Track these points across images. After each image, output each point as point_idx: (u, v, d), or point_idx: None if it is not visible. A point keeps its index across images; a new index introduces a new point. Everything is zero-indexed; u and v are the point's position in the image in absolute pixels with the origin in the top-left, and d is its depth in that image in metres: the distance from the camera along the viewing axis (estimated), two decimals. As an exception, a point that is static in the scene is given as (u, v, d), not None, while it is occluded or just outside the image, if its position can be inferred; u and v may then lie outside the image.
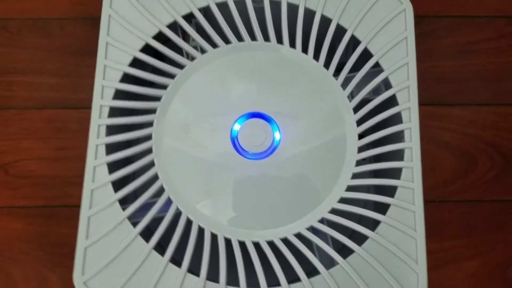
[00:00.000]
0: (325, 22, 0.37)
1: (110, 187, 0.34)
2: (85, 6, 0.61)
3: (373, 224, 0.35)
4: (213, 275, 0.33)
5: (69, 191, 0.56)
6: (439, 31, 0.61)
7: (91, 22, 0.61)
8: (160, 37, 0.37)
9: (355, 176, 0.35)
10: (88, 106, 0.57)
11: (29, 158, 0.57)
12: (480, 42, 0.61)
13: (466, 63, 0.60)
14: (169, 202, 0.34)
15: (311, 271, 0.34)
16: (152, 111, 0.35)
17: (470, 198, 0.57)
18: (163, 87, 0.36)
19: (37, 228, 0.55)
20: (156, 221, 0.34)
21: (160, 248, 0.34)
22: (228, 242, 0.34)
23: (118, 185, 0.35)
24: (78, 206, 0.55)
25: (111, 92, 0.35)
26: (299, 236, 0.34)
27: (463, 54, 0.60)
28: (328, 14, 0.37)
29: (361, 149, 0.35)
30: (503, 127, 0.59)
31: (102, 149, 0.35)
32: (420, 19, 0.60)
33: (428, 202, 0.56)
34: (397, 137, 0.36)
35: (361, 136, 0.36)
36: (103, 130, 0.35)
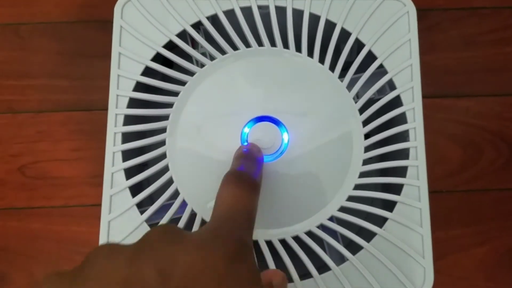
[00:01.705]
0: (330, 26, 0.37)
1: (128, 192, 0.36)
2: (95, 9, 0.62)
3: (380, 221, 0.36)
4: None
5: (86, 190, 0.58)
6: (444, 24, 0.61)
7: (101, 25, 0.61)
8: (170, 45, 0.38)
9: (362, 175, 0.36)
10: (100, 108, 0.59)
11: (45, 159, 0.59)
12: (485, 33, 0.61)
13: (471, 54, 0.60)
14: (184, 204, 0.36)
15: (322, 267, 0.35)
16: (165, 117, 0.36)
17: (477, 187, 0.58)
18: (175, 94, 0.37)
19: (56, 228, 0.57)
20: (173, 222, 0.36)
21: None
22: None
23: (133, 189, 0.36)
24: (94, 205, 0.57)
25: (125, 101, 0.37)
26: (309, 234, 0.35)
27: (468, 46, 0.61)
28: (333, 19, 0.37)
29: (367, 149, 0.36)
30: (509, 117, 0.59)
31: (119, 156, 0.36)
32: (425, 13, 0.61)
33: (436, 192, 0.57)
34: (402, 136, 0.37)
35: (367, 136, 0.36)
36: (119, 137, 0.36)
